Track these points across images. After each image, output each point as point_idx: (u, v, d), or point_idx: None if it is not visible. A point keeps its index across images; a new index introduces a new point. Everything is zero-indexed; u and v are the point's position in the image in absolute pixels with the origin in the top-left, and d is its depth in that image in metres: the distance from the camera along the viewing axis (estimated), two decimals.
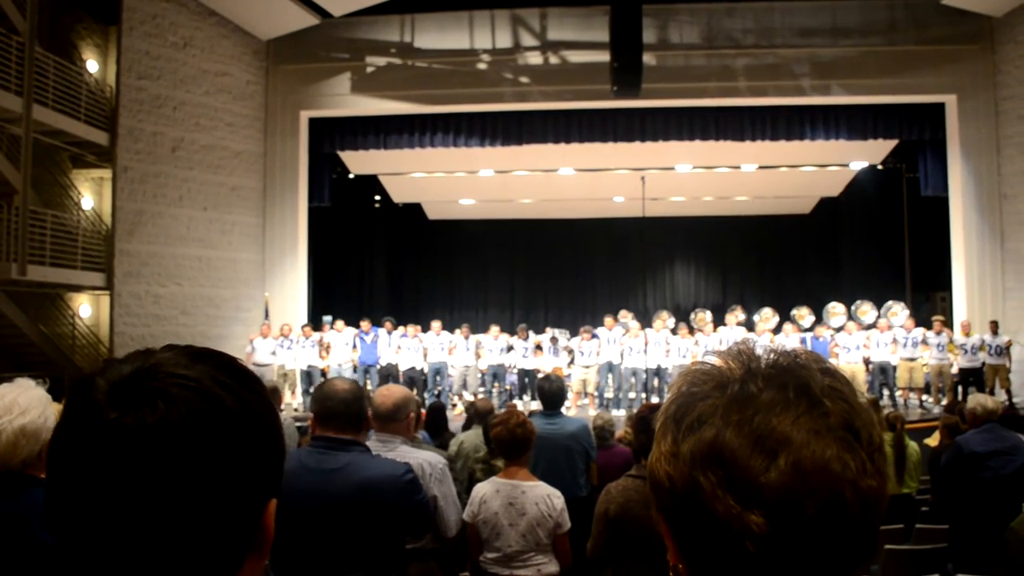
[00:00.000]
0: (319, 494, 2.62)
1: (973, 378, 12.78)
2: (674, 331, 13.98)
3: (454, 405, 13.33)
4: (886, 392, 13.38)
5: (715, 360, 0.79)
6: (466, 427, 6.84)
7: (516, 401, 13.73)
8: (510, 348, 14.05)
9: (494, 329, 14.10)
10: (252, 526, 0.77)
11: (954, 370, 13.10)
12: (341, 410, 2.77)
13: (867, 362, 13.29)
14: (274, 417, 0.80)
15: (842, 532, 0.68)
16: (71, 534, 0.72)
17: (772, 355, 0.77)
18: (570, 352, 13.80)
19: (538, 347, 14.05)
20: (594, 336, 13.53)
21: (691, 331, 14.06)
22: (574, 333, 14.49)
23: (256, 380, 0.81)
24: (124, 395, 0.73)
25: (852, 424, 0.71)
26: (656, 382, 13.60)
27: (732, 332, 13.98)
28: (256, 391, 0.80)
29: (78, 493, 0.72)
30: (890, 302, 14.85)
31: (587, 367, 13.33)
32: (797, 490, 0.67)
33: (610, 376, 13.62)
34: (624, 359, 13.36)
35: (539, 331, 15.12)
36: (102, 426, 0.72)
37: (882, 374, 13.27)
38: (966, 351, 12.82)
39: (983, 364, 12.71)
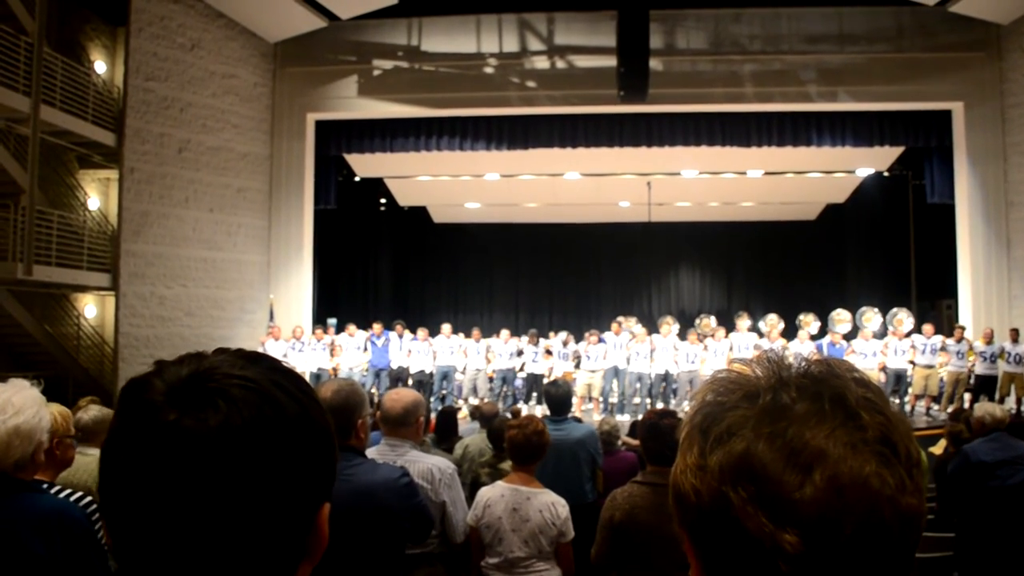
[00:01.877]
0: None
1: (987, 386, 12.66)
2: (682, 336, 13.91)
3: (459, 409, 13.31)
4: (896, 400, 13.27)
5: (743, 368, 0.75)
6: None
7: (522, 405, 13.70)
8: (520, 353, 14.03)
9: (504, 333, 14.11)
10: (307, 531, 0.77)
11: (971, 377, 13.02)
12: None
13: (883, 369, 13.18)
14: (327, 419, 0.80)
15: (880, 552, 0.65)
16: (128, 538, 0.71)
17: (804, 363, 0.74)
18: (576, 356, 13.77)
19: (548, 351, 14.03)
20: (601, 340, 13.50)
21: (699, 337, 13.94)
22: (579, 338, 14.48)
23: (306, 383, 0.81)
24: (183, 396, 0.72)
25: (890, 438, 0.68)
26: (663, 388, 13.57)
27: (743, 338, 13.83)
28: (309, 394, 0.79)
29: (135, 496, 0.70)
30: (895, 309, 14.76)
31: (593, 371, 13.30)
32: (834, 507, 0.64)
33: (615, 381, 13.60)
34: (630, 364, 13.33)
35: (545, 335, 15.08)
36: (161, 428, 0.71)
37: (897, 381, 13.11)
38: (985, 358, 12.70)
39: (999, 372, 12.59)
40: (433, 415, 6.75)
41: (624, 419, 11.90)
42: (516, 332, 14.85)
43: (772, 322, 14.91)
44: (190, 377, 0.74)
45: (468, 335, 14.33)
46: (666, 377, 13.53)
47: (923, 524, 0.69)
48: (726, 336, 13.94)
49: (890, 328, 13.83)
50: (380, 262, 21.90)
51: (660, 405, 12.92)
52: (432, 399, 13.19)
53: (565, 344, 13.99)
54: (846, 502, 0.64)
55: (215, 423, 0.71)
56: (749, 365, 0.75)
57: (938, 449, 7.04)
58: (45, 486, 2.41)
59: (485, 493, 3.70)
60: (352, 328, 14.07)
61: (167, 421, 0.71)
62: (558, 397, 5.35)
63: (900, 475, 0.67)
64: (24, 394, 2.16)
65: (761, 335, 14.39)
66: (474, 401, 13.09)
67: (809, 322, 15.41)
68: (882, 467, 0.66)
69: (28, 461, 2.12)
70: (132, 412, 0.74)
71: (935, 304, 18.15)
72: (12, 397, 2.13)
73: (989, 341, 12.85)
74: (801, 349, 13.18)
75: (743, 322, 14.38)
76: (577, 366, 13.73)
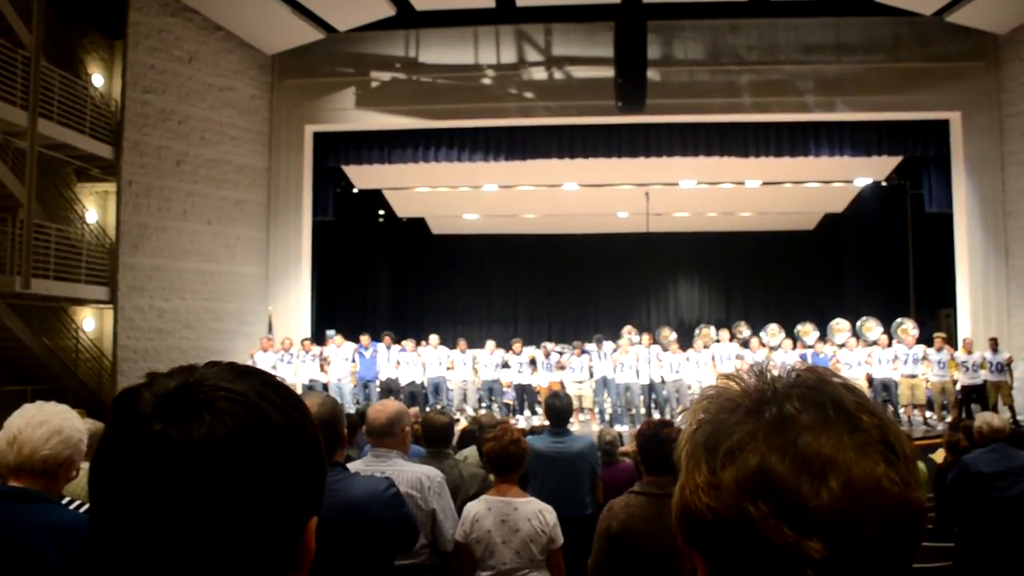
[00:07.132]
0: None
1: (976, 395, 12.75)
2: (684, 347, 13.98)
3: (456, 420, 13.26)
4: (889, 408, 13.30)
5: (734, 382, 0.76)
6: (461, 442, 6.78)
7: (517, 417, 13.70)
8: (505, 364, 14.03)
9: (490, 344, 14.11)
10: (293, 544, 0.77)
11: (957, 387, 13.07)
12: None
13: (869, 379, 13.24)
14: (317, 434, 0.81)
15: (897, 549, 0.68)
16: (115, 547, 0.73)
17: (792, 373, 0.75)
18: (562, 368, 13.79)
19: (532, 362, 14.05)
20: (584, 352, 13.56)
21: (682, 347, 14.05)
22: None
23: (299, 398, 0.81)
24: (170, 407, 0.74)
25: (887, 438, 0.70)
26: (653, 398, 13.64)
27: (724, 348, 14.02)
28: (300, 408, 0.80)
29: (122, 504, 0.72)
30: (900, 319, 14.77)
31: (579, 382, 13.38)
32: (851, 511, 0.66)
33: (605, 392, 13.64)
34: (616, 374, 13.39)
35: (539, 346, 15.06)
36: (147, 438, 0.72)
37: (884, 391, 13.19)
38: (967, 368, 12.81)
39: (985, 381, 12.69)
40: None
41: (623, 430, 11.88)
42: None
43: (772, 332, 14.93)
44: (178, 389, 0.75)
45: (455, 346, 14.33)
46: (651, 387, 13.57)
47: (926, 518, 0.71)
48: (706, 347, 14.04)
49: (884, 337, 13.83)
50: (379, 273, 21.87)
51: (656, 415, 12.94)
52: (428, 411, 13.15)
53: (547, 355, 14.02)
54: (863, 504, 0.66)
55: (199, 435, 0.72)
56: (736, 379, 0.76)
57: (938, 457, 7.03)
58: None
59: (472, 507, 3.68)
60: (339, 339, 14.04)
61: (153, 431, 0.72)
62: (559, 409, 5.32)
63: (904, 472, 0.69)
64: (74, 421, 2.31)
65: (746, 346, 14.43)
66: (469, 412, 13.08)
67: (808, 332, 15.42)
68: (888, 467, 0.68)
69: (69, 475, 2.28)
70: (121, 422, 0.75)
71: (934, 313, 18.14)
72: (73, 418, 2.27)
73: (969, 351, 12.97)
74: (785, 359, 13.27)
75: (725, 333, 14.55)
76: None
